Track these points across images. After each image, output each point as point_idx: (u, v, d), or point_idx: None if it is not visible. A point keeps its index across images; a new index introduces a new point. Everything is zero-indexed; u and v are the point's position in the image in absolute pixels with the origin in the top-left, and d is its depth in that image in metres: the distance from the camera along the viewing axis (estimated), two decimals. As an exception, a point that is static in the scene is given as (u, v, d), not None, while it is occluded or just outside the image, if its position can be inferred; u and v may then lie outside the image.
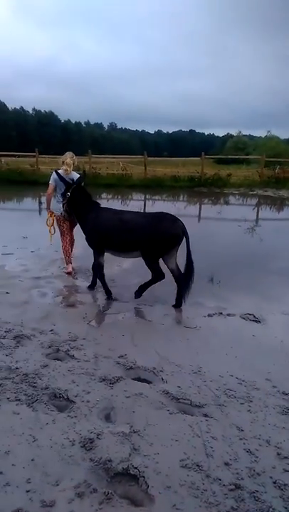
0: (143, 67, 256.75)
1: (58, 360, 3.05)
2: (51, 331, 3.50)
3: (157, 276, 4.16)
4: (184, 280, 4.09)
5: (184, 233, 4.05)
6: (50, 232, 5.29)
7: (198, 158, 18.22)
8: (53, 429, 2.26)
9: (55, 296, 4.41)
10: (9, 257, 5.94)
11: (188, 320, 3.91)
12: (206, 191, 16.02)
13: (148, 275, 4.23)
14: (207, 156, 18.37)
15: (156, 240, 4.01)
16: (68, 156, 5.20)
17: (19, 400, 2.52)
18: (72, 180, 4.95)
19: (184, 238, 4.05)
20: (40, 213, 10.76)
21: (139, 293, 4.29)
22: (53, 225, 5.28)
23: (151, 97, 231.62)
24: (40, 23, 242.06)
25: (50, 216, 5.27)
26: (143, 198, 15.08)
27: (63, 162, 5.16)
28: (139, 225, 4.08)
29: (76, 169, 5.55)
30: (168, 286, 4.31)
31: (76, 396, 2.57)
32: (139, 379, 2.84)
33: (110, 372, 2.87)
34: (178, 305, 4.21)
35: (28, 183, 16.96)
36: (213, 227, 9.52)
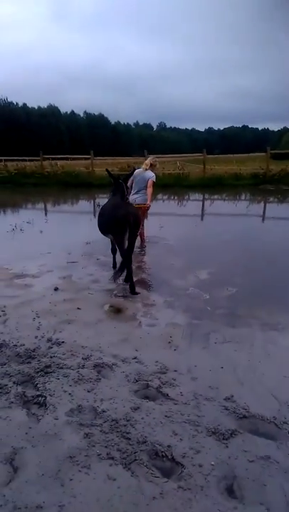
0: (188, 65, 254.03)
1: (150, 399, 2.51)
2: (135, 358, 2.98)
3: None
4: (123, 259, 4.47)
5: (126, 219, 4.40)
6: None
7: (256, 154, 17.10)
8: (163, 508, 1.72)
9: (131, 313, 3.90)
10: (75, 265, 5.57)
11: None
12: (272, 189, 14.93)
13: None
14: (272, 152, 17.16)
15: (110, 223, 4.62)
16: (150, 158, 6.85)
17: (112, 458, 2.01)
18: (144, 176, 6.43)
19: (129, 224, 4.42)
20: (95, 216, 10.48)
21: (115, 276, 4.57)
22: None
23: (199, 95, 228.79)
24: (80, 27, 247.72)
25: None
26: (201, 198, 14.37)
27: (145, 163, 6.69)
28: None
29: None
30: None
31: (183, 456, 2.01)
32: (258, 433, 2.22)
33: (219, 421, 2.27)
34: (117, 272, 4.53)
35: (84, 186, 16.91)
36: None
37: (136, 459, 1.99)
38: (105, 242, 6.51)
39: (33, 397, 2.52)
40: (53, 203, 13.97)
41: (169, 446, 2.08)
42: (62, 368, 2.85)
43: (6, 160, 21.36)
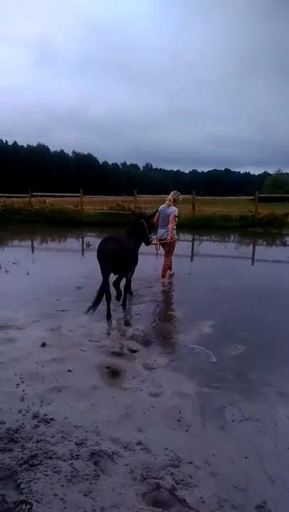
0: (169, 113, 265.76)
1: (163, 508, 1.99)
2: (140, 444, 2.47)
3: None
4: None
5: (104, 252, 4.86)
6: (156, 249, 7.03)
7: (244, 197, 17.29)
8: None
9: (131, 377, 3.40)
10: (64, 314, 5.06)
11: None
12: (261, 232, 14.89)
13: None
14: (260, 195, 17.37)
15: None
16: (171, 193, 7.18)
17: None
18: (166, 211, 6.93)
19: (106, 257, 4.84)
20: (83, 254, 10.06)
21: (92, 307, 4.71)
22: (158, 247, 6.99)
23: (183, 140, 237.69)
24: (65, 72, 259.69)
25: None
26: (191, 239, 14.19)
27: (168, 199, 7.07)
28: None
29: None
30: None
31: None
32: None
33: None
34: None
35: (73, 224, 16.61)
36: None
37: None
38: (97, 287, 6.09)
39: (15, 503, 1.97)
40: (40, 242, 13.54)
41: None
42: (51, 457, 2.31)
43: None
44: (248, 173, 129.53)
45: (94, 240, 13.28)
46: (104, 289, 4.81)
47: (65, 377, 3.32)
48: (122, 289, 5.48)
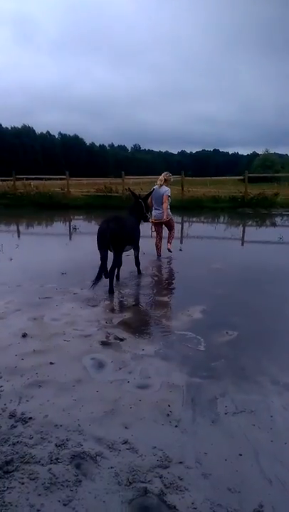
0: (155, 91, 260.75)
1: (151, 516, 1.81)
2: (125, 443, 2.27)
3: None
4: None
5: (105, 231, 5.14)
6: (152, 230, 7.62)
7: (233, 178, 17.03)
8: None
9: (117, 368, 3.19)
10: (48, 302, 4.82)
11: None
12: (251, 212, 14.71)
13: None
14: (250, 175, 17.11)
15: None
16: (163, 174, 7.28)
17: None
18: (160, 192, 7.06)
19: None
20: (70, 238, 9.75)
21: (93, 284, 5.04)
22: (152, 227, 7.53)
23: (170, 120, 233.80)
24: (45, 50, 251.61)
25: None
26: (180, 221, 13.94)
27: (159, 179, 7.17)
28: None
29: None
30: None
31: None
32: None
33: None
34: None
35: (59, 207, 16.21)
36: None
37: None
38: (83, 272, 5.89)
39: (-15, 518, 1.77)
40: (25, 226, 13.15)
41: None
42: (28, 462, 2.11)
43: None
44: (237, 153, 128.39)
45: (81, 224, 12.96)
46: (103, 267, 5.10)
47: (46, 371, 3.10)
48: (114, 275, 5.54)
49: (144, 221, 6.54)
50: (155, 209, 7.21)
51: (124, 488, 1.94)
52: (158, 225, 7.36)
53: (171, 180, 7.63)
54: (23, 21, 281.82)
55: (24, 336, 3.77)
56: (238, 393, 2.84)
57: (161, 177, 7.20)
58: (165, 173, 7.39)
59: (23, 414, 2.54)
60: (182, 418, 2.54)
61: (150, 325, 4.19)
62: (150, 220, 6.89)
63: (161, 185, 7.10)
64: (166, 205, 7.06)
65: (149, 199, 6.92)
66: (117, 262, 5.40)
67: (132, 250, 6.01)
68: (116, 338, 3.78)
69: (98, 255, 5.21)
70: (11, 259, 7.24)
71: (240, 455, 2.19)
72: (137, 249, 6.08)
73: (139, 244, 6.15)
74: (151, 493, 1.92)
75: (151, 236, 7.66)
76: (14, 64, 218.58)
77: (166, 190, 7.11)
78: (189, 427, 2.46)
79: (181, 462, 2.13)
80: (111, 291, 5.14)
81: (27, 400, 2.71)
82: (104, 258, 5.14)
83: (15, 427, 2.43)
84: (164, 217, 7.13)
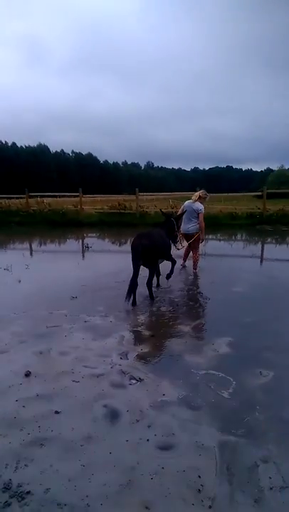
0: (167, 109, 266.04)
1: None
2: (147, 535, 1.77)
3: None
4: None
5: (138, 246, 5.28)
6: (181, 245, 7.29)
7: (248, 194, 16.55)
8: None
9: (134, 420, 2.68)
10: (56, 332, 4.37)
11: None
12: (271, 229, 14.13)
13: None
14: (269, 191, 16.62)
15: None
16: (200, 191, 7.37)
17: None
18: (193, 207, 7.16)
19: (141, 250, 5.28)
20: (83, 257, 9.36)
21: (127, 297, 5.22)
22: (181, 241, 7.27)
23: (183, 137, 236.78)
24: (58, 71, 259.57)
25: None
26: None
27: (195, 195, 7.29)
28: None
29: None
30: None
31: None
32: None
33: None
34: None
35: (72, 225, 15.95)
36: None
37: None
38: (95, 296, 5.48)
39: None
40: (37, 244, 12.85)
41: None
42: None
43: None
44: (251, 169, 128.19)
45: (94, 241, 12.60)
46: (134, 279, 5.23)
47: (50, 423, 2.62)
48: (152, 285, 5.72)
49: (173, 241, 6.42)
50: (187, 223, 7.21)
51: None
52: (185, 238, 7.46)
53: (207, 199, 7.71)
54: (35, 43, 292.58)
55: (27, 375, 3.31)
56: (285, 458, 2.30)
57: (197, 193, 7.29)
58: (202, 190, 7.48)
59: (19, 486, 2.06)
60: (217, 495, 2.02)
61: (170, 361, 3.68)
62: (178, 239, 6.82)
63: (195, 201, 7.19)
64: (203, 224, 7.17)
65: (179, 211, 7.14)
66: (152, 275, 5.59)
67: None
68: (132, 377, 3.28)
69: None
70: (20, 281, 6.84)
71: None
72: (171, 261, 6.15)
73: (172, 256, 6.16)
74: None
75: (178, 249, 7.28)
76: (28, 85, 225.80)
77: (201, 207, 7.18)
78: (227, 508, 1.94)
79: None
80: (134, 303, 5.31)
81: (25, 465, 2.23)
82: (135, 272, 5.28)
83: (9, 505, 1.95)
84: (202, 236, 7.28)
